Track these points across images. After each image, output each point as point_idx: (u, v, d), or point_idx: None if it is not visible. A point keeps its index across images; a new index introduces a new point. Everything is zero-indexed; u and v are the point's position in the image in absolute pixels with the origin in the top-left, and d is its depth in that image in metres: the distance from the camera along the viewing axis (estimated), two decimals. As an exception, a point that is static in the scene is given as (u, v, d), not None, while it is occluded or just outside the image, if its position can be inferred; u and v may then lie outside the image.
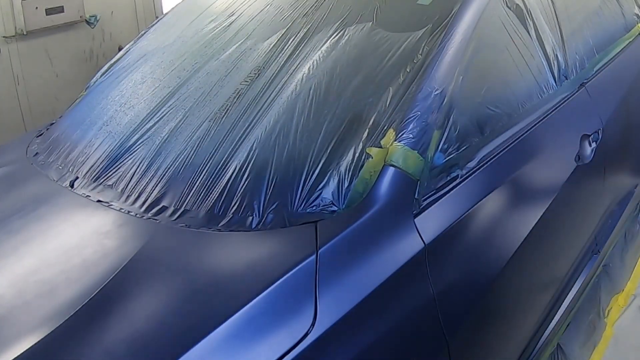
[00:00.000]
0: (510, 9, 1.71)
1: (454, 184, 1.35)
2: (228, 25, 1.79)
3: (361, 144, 1.28)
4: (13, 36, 3.26)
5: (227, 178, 1.30)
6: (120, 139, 1.53)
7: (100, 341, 0.99)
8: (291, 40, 1.60)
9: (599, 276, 2.48)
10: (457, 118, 1.39)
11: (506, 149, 1.52)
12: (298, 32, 1.62)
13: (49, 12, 3.37)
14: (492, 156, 1.47)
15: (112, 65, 1.94)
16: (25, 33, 3.26)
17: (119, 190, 1.39)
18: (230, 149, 1.36)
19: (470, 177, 1.39)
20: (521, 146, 1.58)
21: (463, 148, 1.39)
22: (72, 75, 3.62)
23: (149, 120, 1.54)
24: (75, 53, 3.67)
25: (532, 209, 1.61)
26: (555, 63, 1.85)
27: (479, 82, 1.51)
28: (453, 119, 1.37)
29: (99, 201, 1.37)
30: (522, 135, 1.60)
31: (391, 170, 1.24)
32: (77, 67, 3.67)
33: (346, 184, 1.23)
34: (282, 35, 1.63)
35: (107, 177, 1.44)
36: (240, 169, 1.31)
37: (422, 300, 1.19)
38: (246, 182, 1.28)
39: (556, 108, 1.79)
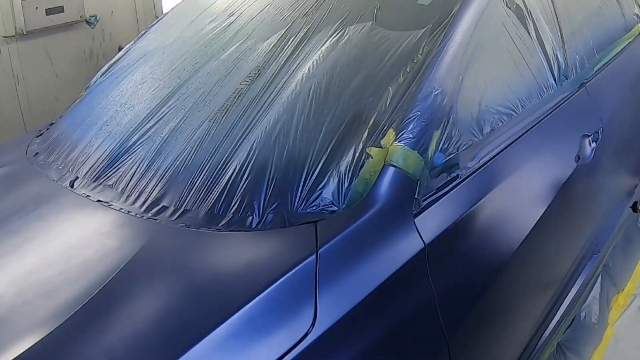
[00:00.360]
0: (510, 9, 1.71)
1: (454, 184, 1.35)
2: (228, 25, 1.79)
3: (361, 144, 1.28)
4: (13, 36, 3.26)
5: (227, 178, 1.30)
6: (120, 139, 1.53)
7: (100, 341, 0.99)
8: (291, 40, 1.60)
9: (599, 276, 2.48)
10: (457, 118, 1.39)
11: (506, 149, 1.52)
12: (298, 32, 1.62)
13: (49, 12, 3.38)
14: (492, 156, 1.47)
15: (112, 65, 1.95)
16: (25, 33, 3.27)
17: (119, 190, 1.39)
18: (230, 149, 1.36)
19: (470, 177, 1.39)
20: (521, 146, 1.58)
21: (463, 148, 1.39)
22: (72, 75, 3.62)
23: (149, 120, 1.54)
24: (75, 53, 3.67)
25: (532, 209, 1.61)
26: (555, 63, 1.85)
27: (479, 82, 1.51)
28: (453, 119, 1.37)
29: (99, 201, 1.37)
30: (522, 135, 1.60)
31: (391, 170, 1.24)
32: (77, 67, 3.67)
33: (346, 184, 1.23)
34: (282, 35, 1.63)
35: (107, 177, 1.44)
36: (240, 168, 1.31)
37: (422, 300, 1.19)
38: (246, 182, 1.28)
39: (556, 108, 1.79)
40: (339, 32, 1.57)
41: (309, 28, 1.62)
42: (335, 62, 1.49)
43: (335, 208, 1.21)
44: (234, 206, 1.25)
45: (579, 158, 1.82)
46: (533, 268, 1.65)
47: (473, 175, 1.40)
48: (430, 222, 1.26)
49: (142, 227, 1.27)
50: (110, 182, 1.42)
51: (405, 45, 1.46)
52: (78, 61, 3.69)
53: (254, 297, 1.01)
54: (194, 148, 1.40)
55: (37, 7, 3.30)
